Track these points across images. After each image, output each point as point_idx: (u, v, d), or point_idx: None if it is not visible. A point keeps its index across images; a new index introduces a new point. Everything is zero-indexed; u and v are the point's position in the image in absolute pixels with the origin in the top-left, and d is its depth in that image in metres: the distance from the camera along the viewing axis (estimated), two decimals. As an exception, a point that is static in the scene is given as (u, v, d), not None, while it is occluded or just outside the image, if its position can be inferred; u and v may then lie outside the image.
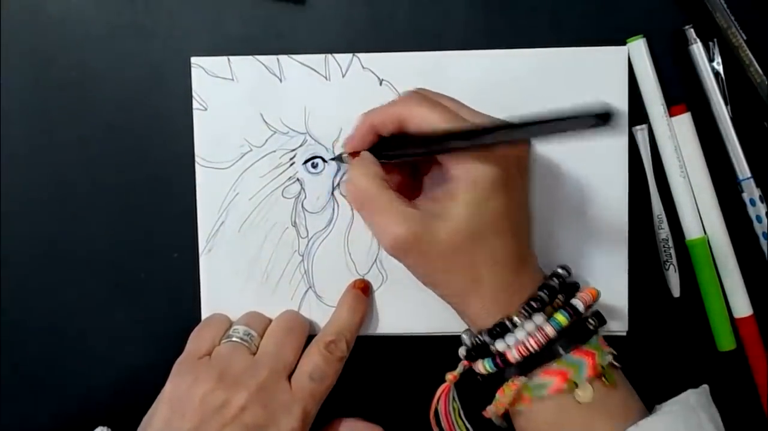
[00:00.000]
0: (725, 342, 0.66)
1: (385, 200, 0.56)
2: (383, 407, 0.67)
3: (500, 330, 0.56)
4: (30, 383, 0.67)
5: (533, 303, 0.55)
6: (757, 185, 0.65)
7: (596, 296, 0.57)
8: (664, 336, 0.67)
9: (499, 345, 0.56)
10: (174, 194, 0.66)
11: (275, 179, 0.65)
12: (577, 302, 0.56)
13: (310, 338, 0.64)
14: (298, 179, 0.65)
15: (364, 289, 0.65)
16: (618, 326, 0.65)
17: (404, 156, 0.59)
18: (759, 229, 0.65)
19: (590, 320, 0.57)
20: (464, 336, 0.60)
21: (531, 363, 0.55)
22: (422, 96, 0.58)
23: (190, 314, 0.66)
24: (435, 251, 0.55)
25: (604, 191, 0.65)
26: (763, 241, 0.65)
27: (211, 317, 0.65)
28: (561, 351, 0.55)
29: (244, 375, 0.60)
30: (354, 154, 0.61)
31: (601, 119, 0.45)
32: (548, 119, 0.48)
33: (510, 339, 0.55)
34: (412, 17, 0.66)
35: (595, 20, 0.65)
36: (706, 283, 0.65)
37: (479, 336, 0.57)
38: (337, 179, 0.65)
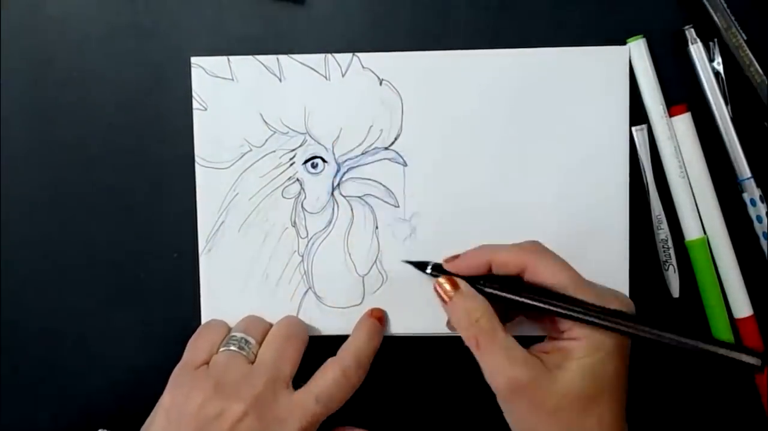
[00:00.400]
0: (725, 342, 0.66)
1: (502, 339, 0.56)
2: (383, 407, 0.67)
3: None
4: (30, 383, 0.68)
5: None
6: (757, 185, 0.65)
7: None
8: (664, 336, 0.67)
9: None
10: (174, 194, 0.66)
11: (275, 179, 0.65)
12: None
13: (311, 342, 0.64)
14: (297, 179, 0.65)
15: (380, 318, 0.65)
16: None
17: (513, 304, 0.58)
18: (759, 229, 0.65)
19: None
20: None
21: None
22: (548, 250, 0.58)
23: (190, 315, 0.66)
24: (548, 403, 0.54)
25: (604, 191, 0.65)
26: (763, 241, 0.65)
27: (209, 324, 0.65)
28: None
29: (241, 385, 0.59)
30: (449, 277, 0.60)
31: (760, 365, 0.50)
32: (699, 347, 0.52)
33: None
34: (412, 17, 0.66)
35: (595, 20, 0.65)
36: (705, 284, 0.65)
37: None
38: (337, 179, 0.65)
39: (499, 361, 0.55)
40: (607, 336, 0.55)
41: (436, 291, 0.60)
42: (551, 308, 0.56)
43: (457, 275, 0.60)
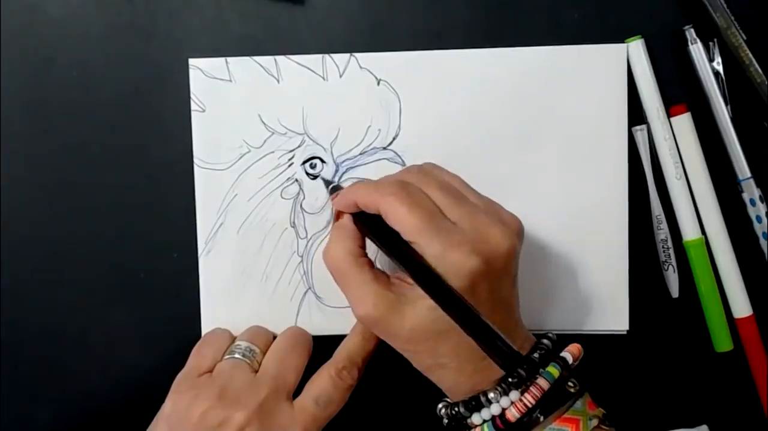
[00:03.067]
0: (722, 343, 0.66)
1: (357, 278, 0.57)
2: (383, 407, 0.67)
3: (475, 404, 0.55)
4: (30, 383, 0.68)
5: (510, 379, 0.54)
6: (757, 185, 0.64)
7: (578, 354, 0.56)
8: (664, 336, 0.67)
9: (475, 419, 0.55)
10: (174, 194, 0.66)
11: (274, 180, 0.65)
12: (568, 355, 0.56)
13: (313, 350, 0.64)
14: (296, 180, 0.65)
15: None
16: (618, 325, 0.65)
17: (375, 243, 0.59)
18: (759, 229, 0.65)
19: (570, 383, 0.55)
20: (441, 407, 0.59)
21: None
22: (406, 191, 0.56)
23: (190, 315, 0.66)
24: (400, 336, 0.56)
25: (604, 192, 0.65)
26: (763, 241, 0.65)
27: (213, 333, 0.65)
28: (540, 418, 0.54)
29: (244, 393, 0.59)
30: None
31: (506, 365, 0.53)
32: (479, 328, 0.52)
33: (486, 413, 0.55)
34: (412, 17, 0.65)
35: (595, 20, 0.65)
36: (703, 284, 0.65)
37: (455, 407, 0.57)
38: (336, 179, 0.65)
39: (352, 298, 0.57)
40: (456, 271, 0.53)
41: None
42: (386, 252, 0.57)
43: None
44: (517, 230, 0.57)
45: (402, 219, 0.55)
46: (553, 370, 0.54)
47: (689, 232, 0.65)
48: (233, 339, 0.64)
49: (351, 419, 0.63)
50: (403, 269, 0.55)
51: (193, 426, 0.58)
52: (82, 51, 0.66)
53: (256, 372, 0.61)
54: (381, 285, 0.56)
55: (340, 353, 0.63)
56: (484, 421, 0.55)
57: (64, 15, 0.66)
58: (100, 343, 0.67)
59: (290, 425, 0.59)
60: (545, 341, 0.57)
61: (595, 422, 0.55)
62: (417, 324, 0.55)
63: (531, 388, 0.54)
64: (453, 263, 0.53)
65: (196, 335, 0.66)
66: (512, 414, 0.54)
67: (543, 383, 0.54)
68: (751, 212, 0.65)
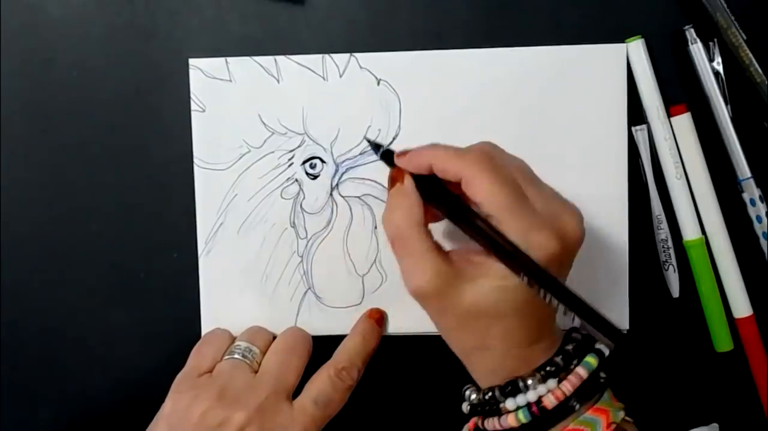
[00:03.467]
0: (722, 343, 0.66)
1: (419, 246, 0.54)
2: (382, 407, 0.67)
3: (512, 389, 0.55)
4: (30, 383, 0.68)
5: (549, 368, 0.54)
6: (757, 185, 0.64)
7: (612, 347, 0.56)
8: (664, 335, 0.67)
9: (509, 404, 0.55)
10: (174, 194, 0.66)
11: (274, 180, 0.65)
12: (603, 347, 0.56)
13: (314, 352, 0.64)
14: (296, 180, 0.65)
15: (378, 320, 0.65)
16: (618, 325, 0.65)
17: (445, 215, 0.56)
18: (759, 229, 0.65)
19: (601, 374, 0.55)
20: (469, 392, 0.58)
21: (546, 421, 0.54)
22: (493, 164, 0.53)
23: (190, 315, 0.66)
24: (453, 312, 0.54)
25: (604, 191, 0.65)
26: (763, 241, 0.65)
27: (213, 333, 0.65)
28: (576, 406, 0.54)
29: (244, 393, 0.59)
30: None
31: (618, 344, 0.51)
32: (586, 310, 0.52)
33: (521, 399, 0.54)
34: (412, 17, 0.65)
35: (595, 20, 0.65)
36: (703, 284, 0.65)
37: (489, 392, 0.56)
38: (336, 179, 0.65)
39: (410, 268, 0.54)
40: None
41: (388, 181, 0.58)
42: (462, 225, 0.54)
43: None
44: (582, 218, 0.56)
45: (489, 191, 0.52)
46: (592, 360, 0.55)
47: (689, 232, 0.65)
48: (233, 339, 0.65)
49: (351, 419, 0.63)
50: (482, 244, 0.53)
51: (193, 426, 0.58)
52: (82, 51, 0.66)
53: (256, 372, 0.62)
54: (442, 258, 0.54)
55: (340, 353, 0.63)
56: (519, 407, 0.55)
57: (64, 15, 0.66)
58: (100, 343, 0.67)
59: (290, 425, 0.59)
60: (574, 334, 0.57)
61: (621, 414, 0.55)
62: (477, 303, 0.53)
63: (570, 377, 0.54)
64: (535, 243, 0.52)
65: (196, 335, 0.66)
66: (550, 401, 0.54)
67: (582, 372, 0.54)
68: (751, 212, 0.65)
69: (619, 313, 0.65)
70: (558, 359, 0.55)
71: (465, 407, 0.59)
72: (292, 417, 0.60)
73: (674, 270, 0.66)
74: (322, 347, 0.64)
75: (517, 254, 0.52)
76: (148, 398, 0.62)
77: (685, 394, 0.67)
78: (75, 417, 0.68)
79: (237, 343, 0.63)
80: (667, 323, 0.67)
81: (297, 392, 0.61)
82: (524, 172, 0.56)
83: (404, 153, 0.57)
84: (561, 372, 0.55)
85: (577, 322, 0.53)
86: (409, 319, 0.65)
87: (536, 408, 0.54)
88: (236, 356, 0.62)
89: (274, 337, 0.65)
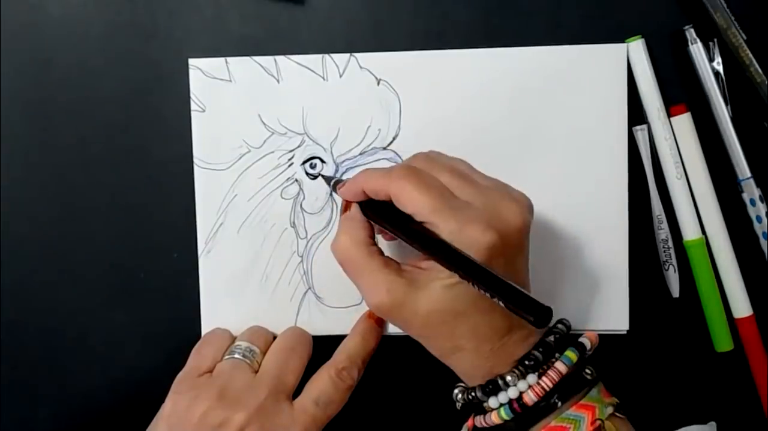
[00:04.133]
0: (723, 343, 0.66)
1: (367, 265, 0.56)
2: (382, 407, 0.67)
3: (492, 387, 0.55)
4: (30, 383, 0.68)
5: (527, 362, 0.55)
6: (757, 185, 0.64)
7: (595, 341, 0.57)
8: (664, 335, 0.67)
9: (492, 402, 0.55)
10: (174, 194, 0.66)
11: (274, 180, 0.65)
12: (586, 340, 0.56)
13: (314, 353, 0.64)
14: (296, 180, 0.65)
15: (378, 320, 0.65)
16: (618, 325, 0.65)
17: (387, 230, 0.58)
18: (759, 229, 0.65)
19: (587, 370, 0.56)
20: (457, 392, 0.59)
21: (529, 418, 0.55)
22: (415, 174, 0.56)
23: (190, 315, 0.66)
24: (416, 321, 0.55)
25: (604, 191, 0.65)
26: (763, 241, 0.65)
27: (213, 333, 0.65)
28: (558, 403, 0.54)
29: (244, 394, 0.60)
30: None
31: (538, 320, 0.48)
32: (507, 290, 0.50)
33: (503, 397, 0.55)
34: (412, 17, 0.65)
35: (595, 20, 0.65)
36: (703, 284, 0.65)
37: (472, 392, 0.57)
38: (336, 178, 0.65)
39: (365, 287, 0.56)
40: (469, 249, 0.53)
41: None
42: (399, 235, 0.56)
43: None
44: (527, 205, 0.56)
45: (415, 201, 0.54)
46: (572, 354, 0.55)
47: (690, 232, 0.65)
48: (233, 339, 0.65)
49: (351, 419, 0.63)
50: (419, 249, 0.54)
51: (193, 426, 0.58)
52: (82, 51, 0.66)
53: (256, 372, 0.61)
54: (393, 272, 0.55)
55: (340, 353, 0.63)
56: (501, 405, 0.55)
57: (64, 15, 0.66)
58: (100, 343, 0.67)
59: (290, 425, 0.59)
60: (559, 325, 0.57)
61: (610, 410, 0.55)
62: (433, 307, 0.54)
63: (549, 372, 0.54)
64: (469, 238, 0.53)
65: (196, 335, 0.66)
66: (530, 398, 0.54)
67: (561, 367, 0.54)
68: (751, 212, 0.65)
69: (619, 313, 0.65)
70: (537, 352, 0.55)
71: (458, 406, 0.59)
72: (293, 418, 0.60)
73: (674, 270, 0.66)
74: (322, 347, 0.64)
75: (442, 251, 0.53)
76: (148, 398, 0.62)
77: (685, 394, 0.67)
78: (75, 417, 0.68)
79: (237, 343, 0.63)
80: (667, 323, 0.67)
81: (297, 392, 0.61)
82: (458, 171, 0.57)
83: (342, 184, 0.60)
84: (541, 366, 0.55)
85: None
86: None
87: (517, 405, 0.54)
88: (236, 356, 0.62)
89: (275, 337, 0.65)
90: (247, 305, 0.66)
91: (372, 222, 0.58)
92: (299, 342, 0.64)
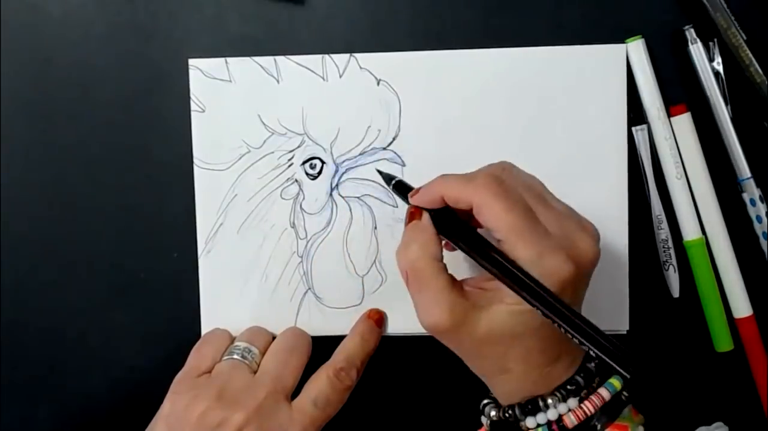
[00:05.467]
0: (723, 343, 0.66)
1: (434, 282, 0.54)
2: (382, 407, 0.67)
3: (532, 407, 0.54)
4: (30, 383, 0.68)
5: (569, 387, 0.54)
6: (757, 185, 0.64)
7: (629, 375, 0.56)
8: (664, 335, 0.67)
9: (530, 422, 0.54)
10: (174, 194, 0.66)
11: (274, 180, 0.65)
12: (617, 380, 0.55)
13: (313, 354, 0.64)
14: (296, 180, 0.65)
15: (378, 320, 0.65)
16: (618, 325, 0.65)
17: (458, 246, 0.55)
18: (759, 229, 0.65)
19: (624, 392, 0.55)
20: (488, 409, 0.57)
21: None
22: (502, 188, 0.53)
23: (190, 315, 0.66)
24: (470, 342, 0.53)
25: (604, 191, 0.65)
26: (763, 241, 0.65)
27: (212, 333, 0.65)
28: (597, 426, 0.54)
29: (243, 394, 0.59)
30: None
31: (628, 373, 0.49)
32: (596, 337, 0.50)
33: (541, 418, 0.54)
34: (412, 17, 0.65)
35: (595, 20, 0.65)
36: (703, 284, 0.65)
37: (509, 410, 0.55)
38: (336, 179, 0.65)
39: (426, 304, 0.54)
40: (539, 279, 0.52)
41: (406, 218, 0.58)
42: (475, 257, 0.54)
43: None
44: (597, 236, 0.55)
45: (499, 217, 0.52)
46: (616, 383, 0.54)
47: (690, 232, 0.65)
48: (232, 339, 0.65)
49: (350, 419, 0.63)
50: (491, 271, 0.52)
51: (191, 426, 0.58)
52: (82, 51, 0.66)
53: (255, 372, 0.61)
54: (457, 292, 0.53)
55: (339, 354, 0.63)
56: (539, 425, 0.54)
57: (64, 15, 0.66)
58: (100, 343, 0.67)
59: (289, 426, 0.59)
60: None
61: (641, 429, 0.55)
62: (493, 330, 0.52)
63: (592, 397, 0.53)
64: (549, 268, 0.51)
65: (195, 335, 0.66)
66: (570, 421, 0.53)
67: (604, 393, 0.54)
68: (751, 212, 0.65)
69: (619, 313, 0.65)
70: (579, 377, 0.54)
71: (485, 422, 0.58)
72: (291, 418, 0.60)
73: (674, 270, 0.66)
74: (322, 347, 0.64)
75: (527, 285, 0.51)
76: (147, 398, 0.62)
77: (685, 394, 0.67)
78: (75, 417, 0.68)
79: (236, 343, 0.63)
80: (667, 323, 0.67)
81: (296, 392, 0.61)
82: (536, 191, 0.55)
83: (417, 191, 0.57)
84: (582, 391, 0.54)
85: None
86: (408, 320, 0.65)
87: (557, 427, 0.54)
88: (235, 356, 0.62)
89: (274, 337, 0.65)
90: (247, 305, 0.66)
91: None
92: (298, 342, 0.64)
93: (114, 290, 0.67)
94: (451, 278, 0.55)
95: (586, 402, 0.53)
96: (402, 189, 0.60)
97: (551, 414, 0.54)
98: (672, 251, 0.65)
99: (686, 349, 0.67)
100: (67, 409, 0.68)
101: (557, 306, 0.50)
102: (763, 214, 0.65)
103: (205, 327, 0.66)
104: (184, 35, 0.66)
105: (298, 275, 0.66)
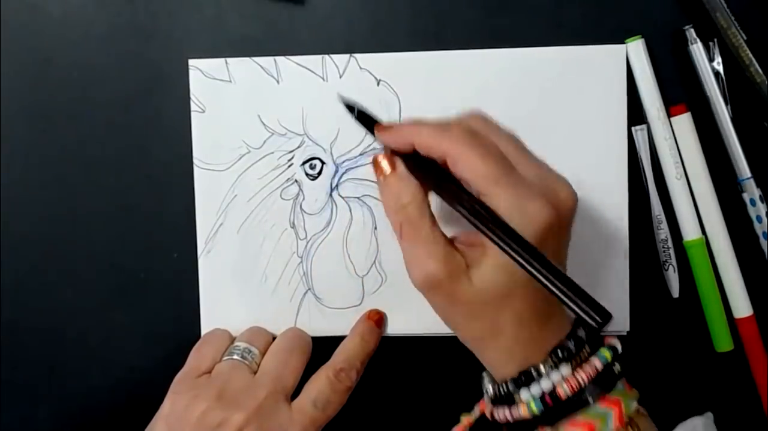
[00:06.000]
0: (723, 343, 0.66)
1: (427, 231, 0.53)
2: (382, 407, 0.68)
3: (525, 379, 0.54)
4: (30, 383, 0.68)
5: (560, 353, 0.53)
6: (757, 185, 0.64)
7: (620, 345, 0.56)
8: (664, 335, 0.67)
9: (524, 395, 0.53)
10: (174, 194, 0.66)
11: (273, 181, 0.65)
12: (616, 342, 0.55)
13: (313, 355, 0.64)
14: (296, 181, 0.65)
15: (378, 321, 0.65)
16: (618, 325, 0.65)
17: (437, 192, 0.54)
18: (759, 229, 0.65)
19: (615, 364, 0.54)
20: (487, 384, 0.57)
21: (558, 412, 0.53)
22: (477, 139, 0.53)
23: (190, 315, 0.66)
24: (462, 298, 0.53)
25: (604, 192, 0.65)
26: (763, 241, 0.65)
27: (212, 333, 0.65)
28: (590, 400, 0.53)
29: (243, 394, 0.59)
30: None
31: (598, 324, 0.47)
32: (568, 289, 0.48)
33: (535, 389, 0.53)
34: (412, 17, 0.65)
35: (595, 20, 0.65)
36: (703, 284, 0.65)
37: (503, 385, 0.55)
38: (336, 180, 0.65)
39: (418, 254, 0.53)
40: (521, 232, 0.50)
41: (374, 166, 0.56)
42: (456, 207, 0.52)
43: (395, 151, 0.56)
44: (573, 189, 0.55)
45: (475, 167, 0.51)
46: (607, 353, 0.54)
47: (690, 232, 0.65)
48: (232, 339, 0.65)
49: (350, 420, 0.63)
50: (472, 222, 0.51)
51: (191, 426, 0.58)
52: (82, 51, 0.66)
53: (255, 373, 0.61)
54: (450, 245, 0.53)
55: (339, 354, 0.63)
56: (533, 397, 0.53)
57: (64, 15, 0.66)
58: (100, 343, 0.67)
59: (288, 426, 0.59)
60: None
61: (634, 404, 0.54)
62: (483, 286, 0.52)
63: (585, 366, 0.53)
64: (529, 214, 0.51)
65: (195, 335, 0.66)
66: (564, 391, 0.52)
67: (597, 363, 0.53)
68: (751, 212, 0.65)
69: (619, 313, 0.65)
70: (570, 343, 0.54)
71: (486, 398, 0.57)
72: (291, 418, 0.59)
73: (674, 270, 0.66)
74: (322, 348, 0.64)
75: (500, 226, 0.50)
76: (147, 398, 0.62)
77: (685, 394, 0.67)
78: (75, 417, 0.68)
79: (236, 344, 0.63)
80: (667, 323, 0.67)
81: (296, 393, 0.61)
82: (513, 143, 0.55)
83: (384, 128, 0.56)
84: (574, 357, 0.54)
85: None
86: (408, 320, 0.65)
87: (549, 398, 0.53)
88: (235, 356, 0.62)
89: (274, 338, 0.65)
90: (247, 305, 0.66)
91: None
92: (298, 342, 0.64)
93: (114, 290, 0.67)
94: (439, 229, 0.54)
95: (579, 371, 0.53)
96: (366, 120, 0.59)
97: (545, 384, 0.53)
98: (672, 251, 0.65)
99: (686, 349, 0.67)
100: (67, 409, 0.68)
101: (533, 254, 0.49)
102: (763, 214, 0.65)
103: (205, 327, 0.66)
104: (184, 35, 0.66)
105: (298, 276, 0.66)
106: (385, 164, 0.56)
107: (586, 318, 0.47)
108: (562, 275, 0.48)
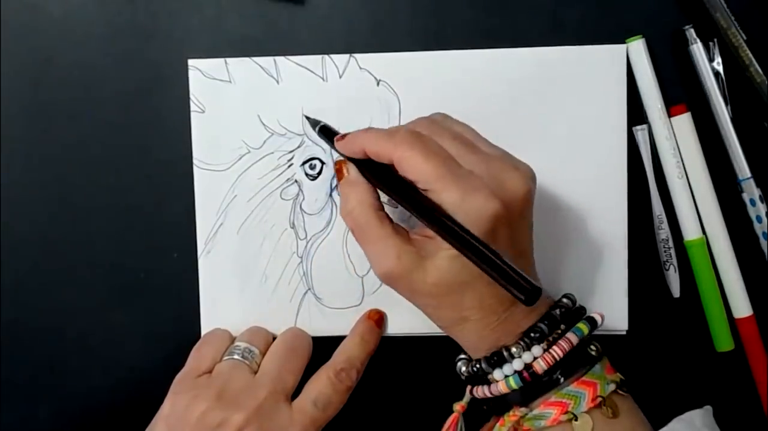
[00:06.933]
0: (723, 342, 0.66)
1: (378, 231, 0.56)
2: (382, 407, 0.67)
3: (497, 359, 0.56)
4: (30, 383, 0.68)
5: (532, 334, 0.55)
6: (757, 185, 0.64)
7: (602, 321, 0.57)
8: (664, 335, 0.67)
9: (497, 374, 0.56)
10: (174, 194, 0.66)
11: (273, 181, 0.65)
12: (595, 315, 0.57)
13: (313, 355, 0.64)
14: (296, 181, 0.65)
15: (378, 321, 0.65)
16: (618, 325, 0.65)
17: (387, 194, 0.57)
18: (759, 229, 0.65)
19: (592, 346, 0.56)
20: (460, 364, 0.60)
21: (532, 392, 0.55)
22: (420, 140, 0.55)
23: (190, 315, 0.66)
24: (422, 289, 0.55)
25: (604, 192, 0.65)
26: (763, 241, 0.65)
27: (213, 333, 0.65)
28: (560, 379, 0.55)
29: (243, 394, 0.59)
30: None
31: (528, 299, 0.49)
32: (500, 267, 0.50)
33: (507, 369, 0.55)
34: (412, 17, 0.65)
35: (595, 20, 0.65)
36: (704, 284, 0.65)
37: (476, 365, 0.57)
38: (335, 180, 0.65)
39: (374, 252, 0.56)
40: (474, 220, 0.53)
41: (336, 173, 0.61)
42: (404, 205, 0.55)
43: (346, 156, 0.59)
44: (530, 175, 0.56)
45: (418, 168, 0.54)
46: (584, 327, 0.56)
47: (690, 232, 0.65)
48: (233, 339, 0.65)
49: (350, 420, 0.63)
50: (420, 218, 0.54)
51: (191, 426, 0.58)
52: (82, 51, 0.66)
53: (255, 373, 0.61)
54: (403, 239, 0.56)
55: (339, 354, 0.63)
56: (506, 376, 0.55)
57: (64, 15, 0.66)
58: (100, 343, 0.67)
59: (289, 426, 0.59)
60: (565, 300, 0.58)
61: (612, 386, 0.56)
62: (441, 276, 0.54)
63: (560, 341, 0.55)
64: (473, 208, 0.52)
65: (195, 335, 0.66)
66: (540, 366, 0.54)
67: (572, 338, 0.55)
68: (751, 212, 0.65)
69: (619, 313, 0.65)
70: (542, 324, 0.55)
71: (462, 378, 0.60)
72: (291, 418, 0.60)
73: (675, 270, 0.66)
74: (322, 348, 0.64)
75: (443, 222, 0.52)
76: (147, 398, 0.62)
77: (685, 394, 0.67)
78: (75, 417, 0.68)
79: (236, 344, 0.63)
80: (667, 323, 0.67)
81: (296, 393, 0.61)
82: (463, 138, 0.57)
83: (342, 137, 0.59)
84: (546, 338, 0.55)
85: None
86: (408, 320, 0.65)
87: (527, 374, 0.55)
88: (235, 356, 0.62)
89: (274, 338, 0.65)
90: (247, 305, 0.66)
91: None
92: (299, 342, 0.64)
93: (114, 290, 0.67)
94: (396, 226, 0.57)
95: (554, 347, 0.55)
96: (328, 134, 0.62)
97: (516, 364, 0.55)
98: (672, 251, 0.65)
99: (686, 349, 0.67)
100: (67, 409, 0.68)
101: (462, 238, 0.51)
102: (763, 214, 0.65)
103: (205, 327, 0.66)
104: (184, 35, 0.66)
105: (298, 276, 0.66)
106: (343, 170, 0.59)
107: (514, 292, 0.49)
108: (490, 255, 0.50)
